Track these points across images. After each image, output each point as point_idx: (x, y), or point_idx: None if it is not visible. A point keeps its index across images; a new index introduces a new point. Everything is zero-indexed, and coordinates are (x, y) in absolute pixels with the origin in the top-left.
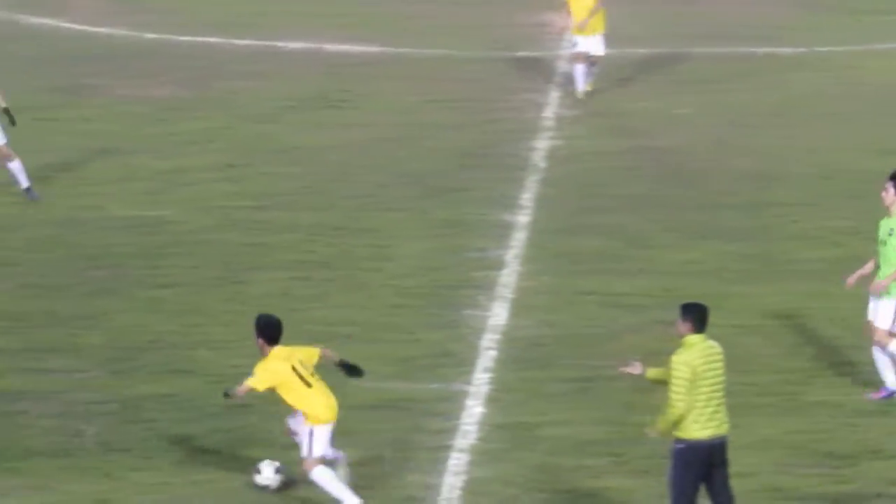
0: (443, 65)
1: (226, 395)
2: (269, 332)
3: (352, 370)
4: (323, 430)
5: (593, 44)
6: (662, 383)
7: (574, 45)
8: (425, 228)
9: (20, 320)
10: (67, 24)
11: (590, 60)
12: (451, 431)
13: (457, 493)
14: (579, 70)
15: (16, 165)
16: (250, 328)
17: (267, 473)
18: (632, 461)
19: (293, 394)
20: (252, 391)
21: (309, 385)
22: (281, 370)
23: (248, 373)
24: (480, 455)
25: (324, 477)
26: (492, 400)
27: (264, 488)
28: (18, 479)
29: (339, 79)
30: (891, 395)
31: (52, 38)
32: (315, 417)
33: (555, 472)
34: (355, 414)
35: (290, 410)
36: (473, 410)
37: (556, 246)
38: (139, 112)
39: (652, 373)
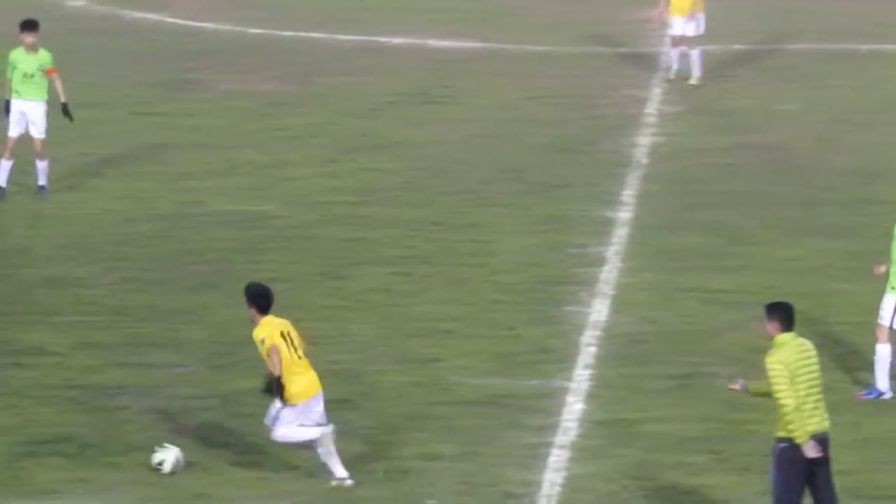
0: (545, 61)
1: (272, 390)
2: (261, 301)
3: (267, 388)
4: (291, 410)
5: (690, 25)
6: (765, 395)
7: (671, 26)
8: (526, 224)
9: (121, 314)
10: (171, 19)
11: (686, 43)
12: (551, 428)
13: (557, 489)
14: (674, 53)
15: (43, 165)
16: (351, 324)
17: (161, 458)
18: (732, 458)
19: (275, 366)
20: (276, 351)
21: (290, 357)
22: (274, 331)
23: (349, 368)
24: (580, 451)
25: (285, 433)
26: (592, 396)
27: (160, 464)
28: (119, 474)
29: (441, 74)
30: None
31: (155, 32)
32: (289, 395)
33: (654, 469)
34: (456, 409)
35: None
36: (573, 407)
37: (657, 242)
38: (242, 107)
39: (754, 387)
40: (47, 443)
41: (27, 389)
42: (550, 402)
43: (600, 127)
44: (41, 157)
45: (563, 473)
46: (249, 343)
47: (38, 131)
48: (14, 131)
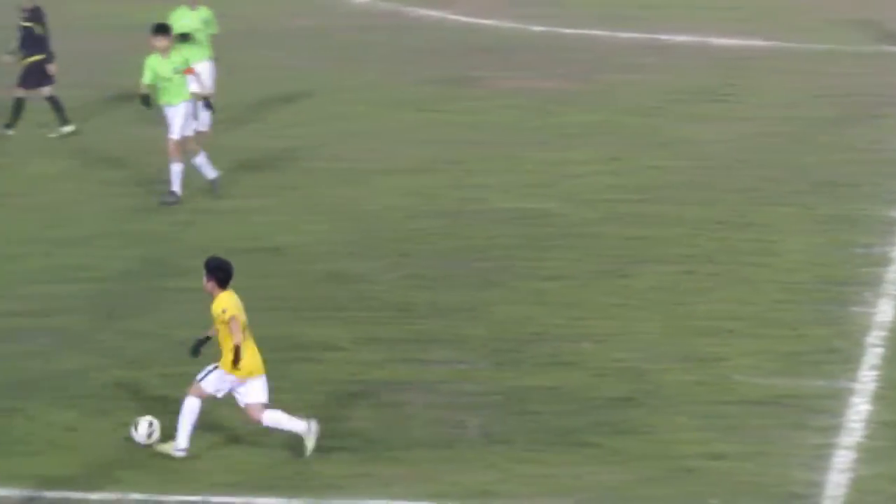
0: (830, 59)
1: (195, 353)
2: (221, 274)
3: (195, 351)
4: (226, 377)
5: None
6: None
7: None
8: (811, 223)
9: (405, 311)
10: (453, 16)
11: None
12: (836, 429)
13: (842, 490)
14: None
15: (201, 159)
16: (635, 322)
17: (141, 430)
18: None
19: (235, 334)
20: (237, 322)
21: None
22: (235, 305)
23: (633, 366)
24: (866, 453)
25: (276, 419)
26: (878, 397)
27: (150, 435)
28: (402, 469)
29: (724, 72)
30: None
31: (437, 29)
32: (238, 367)
33: None
34: (741, 409)
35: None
36: (859, 408)
37: None
38: (523, 104)
39: None
40: (332, 437)
41: (313, 384)
42: (835, 403)
43: (886, 126)
44: (195, 154)
45: (849, 475)
46: (532, 340)
47: (172, 131)
48: (176, 134)
